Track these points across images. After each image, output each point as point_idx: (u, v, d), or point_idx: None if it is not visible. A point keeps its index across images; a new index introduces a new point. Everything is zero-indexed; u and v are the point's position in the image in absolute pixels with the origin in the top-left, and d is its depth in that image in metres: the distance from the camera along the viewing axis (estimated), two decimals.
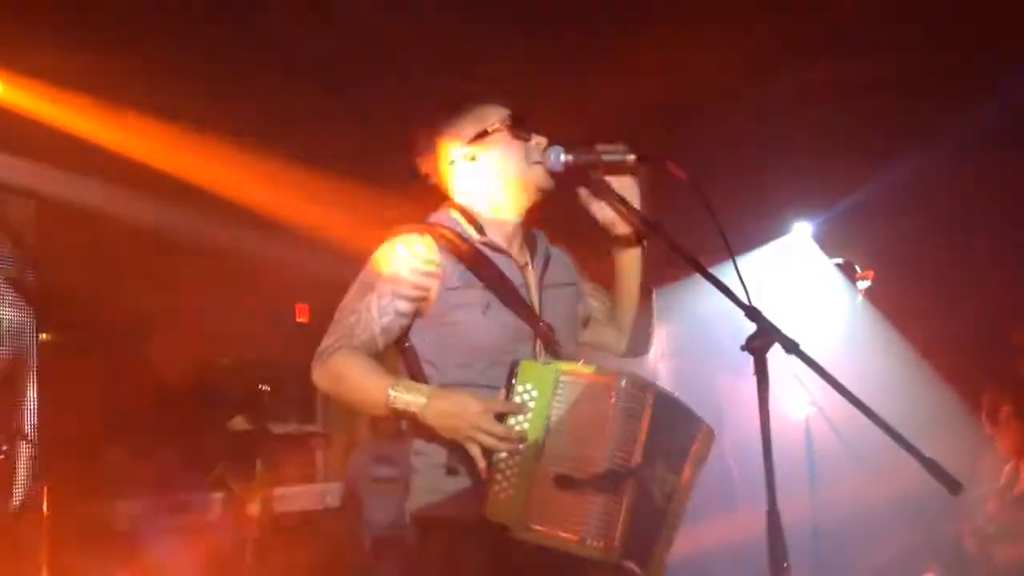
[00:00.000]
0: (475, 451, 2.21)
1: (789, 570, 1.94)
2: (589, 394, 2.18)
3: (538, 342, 2.38)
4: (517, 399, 2.22)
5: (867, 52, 5.48)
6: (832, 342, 6.25)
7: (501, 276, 2.40)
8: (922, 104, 5.64)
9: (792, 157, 6.23)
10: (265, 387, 4.38)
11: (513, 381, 2.22)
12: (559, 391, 2.19)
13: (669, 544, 2.30)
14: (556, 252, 2.59)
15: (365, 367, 2.34)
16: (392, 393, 2.27)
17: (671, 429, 2.23)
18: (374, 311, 2.36)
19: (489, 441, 2.18)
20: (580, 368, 2.24)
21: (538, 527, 2.15)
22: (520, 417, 2.20)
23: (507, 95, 2.53)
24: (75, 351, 5.88)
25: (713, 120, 6.06)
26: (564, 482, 2.13)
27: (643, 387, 2.19)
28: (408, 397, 2.26)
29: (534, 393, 2.20)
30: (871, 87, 5.69)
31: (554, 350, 2.37)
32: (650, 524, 2.22)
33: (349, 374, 2.34)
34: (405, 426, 2.43)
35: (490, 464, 2.19)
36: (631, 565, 2.19)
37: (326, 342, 2.38)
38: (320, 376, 2.38)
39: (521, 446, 2.17)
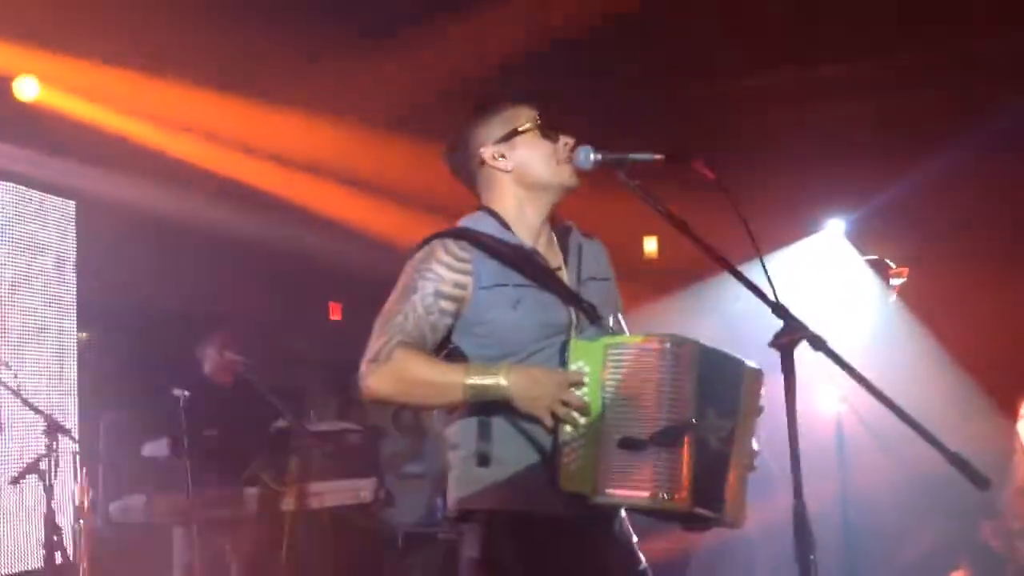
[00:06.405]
0: (550, 422, 2.29)
1: (815, 562, 1.99)
2: (636, 360, 2.28)
3: (575, 322, 2.43)
4: None
5: (903, 47, 5.46)
6: (864, 340, 6.20)
7: (534, 264, 2.44)
8: (958, 98, 5.60)
9: (825, 153, 6.20)
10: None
11: (566, 360, 2.34)
12: (609, 362, 2.30)
13: (741, 483, 2.36)
14: (587, 244, 2.61)
15: (431, 360, 2.37)
16: (468, 381, 2.30)
17: (718, 379, 2.32)
18: (420, 310, 2.37)
19: (563, 411, 2.28)
20: (624, 338, 2.37)
21: (611, 491, 2.27)
22: (584, 389, 2.30)
23: (536, 95, 2.56)
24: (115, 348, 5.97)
25: (746, 116, 6.06)
26: (627, 444, 2.23)
27: (686, 345, 2.28)
28: (487, 381, 2.30)
29: (587, 369, 2.32)
30: (906, 82, 5.66)
31: (600, 326, 2.43)
32: (715, 469, 2.30)
33: (416, 370, 2.34)
34: (429, 422, 2.46)
35: (558, 438, 2.30)
36: (702, 511, 2.28)
37: (376, 345, 2.35)
38: (381, 380, 2.34)
39: (583, 419, 2.28)
